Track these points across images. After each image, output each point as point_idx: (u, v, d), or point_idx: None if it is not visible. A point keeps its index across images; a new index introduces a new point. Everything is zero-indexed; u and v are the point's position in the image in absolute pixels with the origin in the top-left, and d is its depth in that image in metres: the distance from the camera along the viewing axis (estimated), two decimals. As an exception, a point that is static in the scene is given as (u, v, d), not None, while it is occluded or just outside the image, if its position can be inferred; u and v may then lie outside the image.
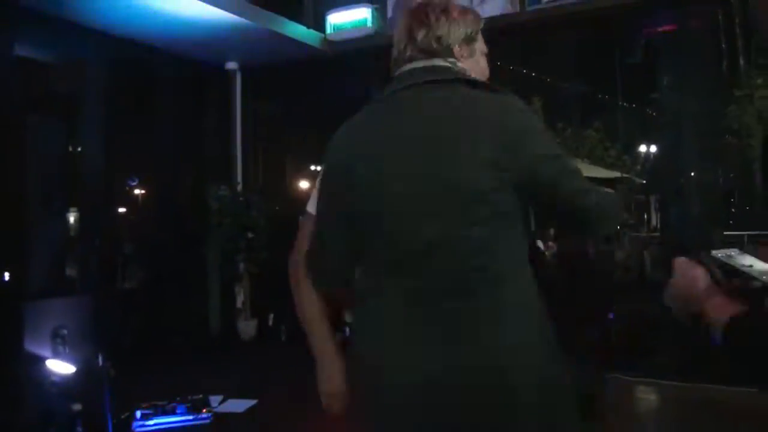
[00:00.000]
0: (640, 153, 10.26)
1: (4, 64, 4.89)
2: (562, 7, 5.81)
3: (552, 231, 9.45)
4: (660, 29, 7.15)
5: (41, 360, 4.71)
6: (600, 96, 10.12)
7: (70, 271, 5.48)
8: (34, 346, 4.79)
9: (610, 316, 6.66)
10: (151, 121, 6.30)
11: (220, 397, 4.85)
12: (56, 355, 4.79)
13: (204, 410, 4.44)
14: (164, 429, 4.36)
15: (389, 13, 6.34)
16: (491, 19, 5.86)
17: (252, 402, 4.85)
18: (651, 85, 7.90)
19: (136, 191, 6.30)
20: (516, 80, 9.21)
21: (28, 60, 5.27)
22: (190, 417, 4.39)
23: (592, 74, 9.58)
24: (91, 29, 5.59)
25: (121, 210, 6.23)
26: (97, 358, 4.94)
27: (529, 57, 8.80)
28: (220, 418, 4.52)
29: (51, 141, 5.11)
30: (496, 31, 6.19)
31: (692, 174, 7.80)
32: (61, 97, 5.61)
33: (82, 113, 5.69)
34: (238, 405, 4.81)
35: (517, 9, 5.89)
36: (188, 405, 4.46)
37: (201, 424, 4.38)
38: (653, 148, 9.12)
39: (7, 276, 4.70)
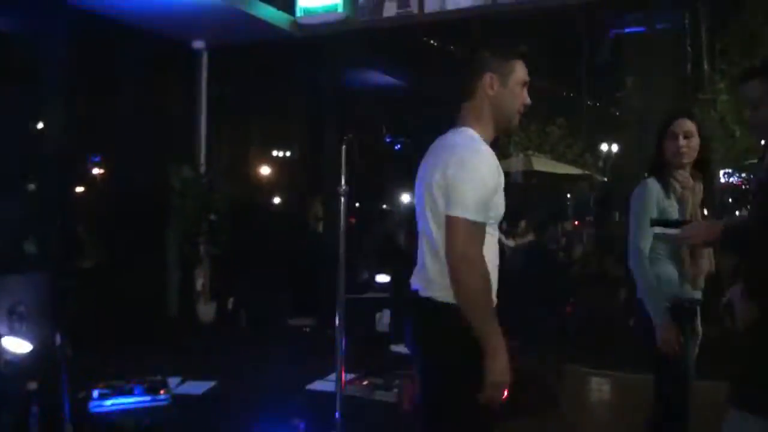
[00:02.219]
0: (602, 151, 10.41)
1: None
2: (532, 3, 5.83)
3: (521, 226, 9.59)
4: (627, 30, 7.27)
5: (-3, 338, 4.61)
6: (565, 93, 10.24)
7: (29, 248, 5.34)
8: (-12, 323, 4.67)
9: (568, 309, 6.77)
10: (115, 97, 6.18)
11: (178, 379, 4.80)
12: (12, 332, 4.69)
13: (162, 391, 4.37)
14: (122, 409, 4.29)
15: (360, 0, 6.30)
16: (462, 11, 5.90)
17: (210, 384, 4.81)
18: (616, 85, 8.04)
19: (98, 169, 6.17)
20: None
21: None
22: (148, 398, 4.33)
23: (558, 71, 9.68)
24: (55, 0, 5.45)
25: (82, 188, 6.09)
26: (54, 336, 4.86)
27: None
28: (178, 399, 4.46)
29: (8, 114, 4.96)
30: (467, 23, 6.23)
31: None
32: (22, 69, 5.45)
33: (43, 87, 5.54)
34: (196, 387, 4.76)
35: (489, 2, 5.90)
36: (146, 386, 4.39)
37: (159, 405, 4.32)
38: (615, 147, 9.27)
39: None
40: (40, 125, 5.63)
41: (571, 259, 8.80)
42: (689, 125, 3.02)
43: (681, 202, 2.96)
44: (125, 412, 4.24)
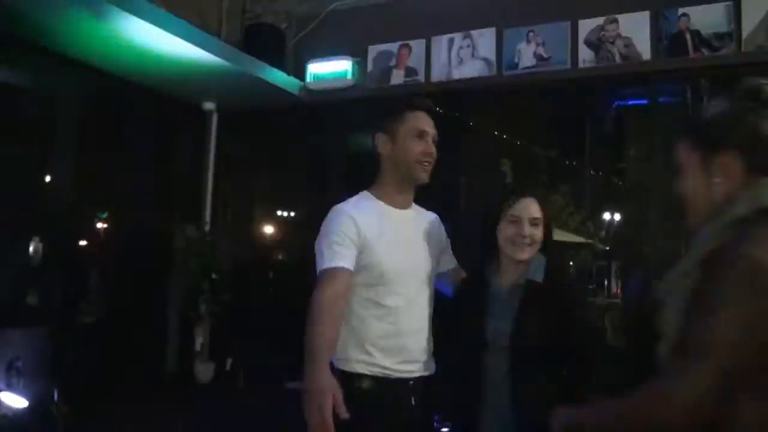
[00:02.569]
0: (604, 220, 10.44)
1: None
2: (538, 75, 5.96)
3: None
4: (631, 102, 7.38)
5: (-7, 393, 4.58)
6: (568, 162, 10.33)
7: (31, 302, 5.36)
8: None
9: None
10: (122, 155, 6.27)
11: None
12: (10, 387, 4.67)
13: (155, 452, 4.34)
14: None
15: (369, 67, 6.46)
16: (469, 81, 6.03)
17: (204, 446, 4.77)
18: (619, 156, 8.12)
19: (102, 225, 6.21)
20: (487, 143, 9.38)
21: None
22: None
23: (562, 141, 9.79)
24: (67, 57, 5.57)
25: (86, 243, 6.13)
26: (53, 393, 4.83)
27: (501, 120, 8.97)
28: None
29: (14, 169, 5.05)
30: (472, 93, 6.35)
31: (656, 243, 7.95)
32: (30, 125, 5.56)
33: (50, 142, 5.64)
34: (190, 448, 4.72)
35: (494, 73, 6.03)
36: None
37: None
38: (617, 216, 9.32)
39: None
40: (47, 179, 5.70)
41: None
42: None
43: None
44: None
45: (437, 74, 6.21)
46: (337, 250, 2.42)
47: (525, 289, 2.69)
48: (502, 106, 7.68)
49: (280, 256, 7.49)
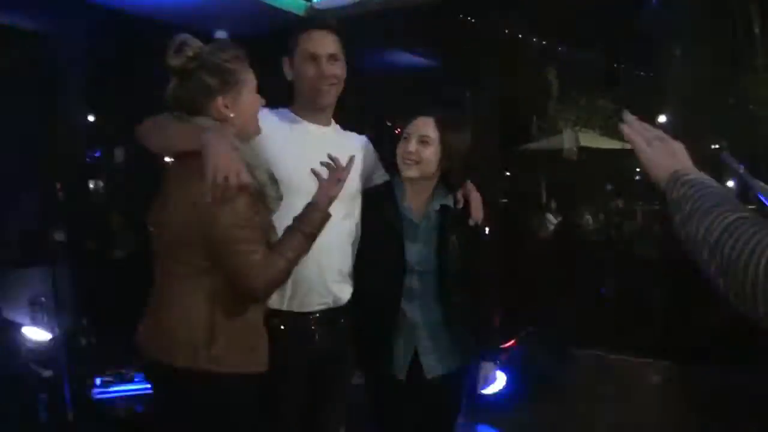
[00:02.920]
0: (656, 124, 9.95)
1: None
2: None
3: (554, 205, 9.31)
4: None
5: (18, 326, 4.87)
6: (615, 65, 9.81)
7: (58, 237, 5.59)
8: (12, 314, 4.93)
9: (601, 290, 6.51)
10: (137, 88, 6.36)
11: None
12: (34, 322, 4.94)
13: (163, 378, 4.51)
14: (120, 396, 4.44)
15: (376, -19, 6.22)
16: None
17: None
18: (663, 54, 7.62)
19: (122, 162, 6.39)
20: (528, 49, 8.99)
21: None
22: (148, 385, 4.46)
23: (607, 43, 9.28)
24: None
25: (108, 182, 6.34)
26: (73, 326, 5.10)
27: (541, 25, 8.56)
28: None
29: (36, 112, 5.22)
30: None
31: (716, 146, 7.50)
32: (44, 67, 5.71)
33: (65, 82, 5.78)
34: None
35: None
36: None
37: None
38: (663, 119, 8.80)
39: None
40: (64, 119, 5.86)
41: (613, 239, 8.47)
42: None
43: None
44: (122, 399, 4.40)
45: (446, -18, 5.94)
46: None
47: (441, 216, 2.64)
48: (538, 9, 7.30)
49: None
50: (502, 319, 5.11)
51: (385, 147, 2.80)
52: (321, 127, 2.61)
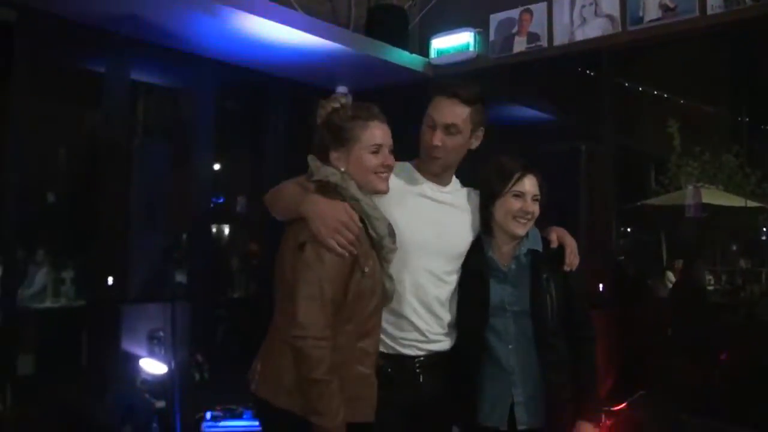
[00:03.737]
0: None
1: (119, 89, 5.49)
2: (670, 26, 5.52)
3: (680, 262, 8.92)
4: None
5: (137, 359, 5.18)
6: (739, 118, 9.41)
7: (180, 278, 5.92)
8: (131, 346, 5.25)
9: (722, 356, 6.17)
10: (263, 142, 6.70)
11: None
12: (151, 354, 5.24)
13: (270, 417, 4.64)
14: (232, 431, 4.62)
15: (491, 37, 6.34)
16: (591, 41, 5.73)
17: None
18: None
19: (244, 210, 6.73)
20: (650, 103, 8.81)
21: (142, 84, 5.89)
22: (256, 422, 4.62)
23: (730, 95, 8.95)
24: (205, 57, 6.07)
25: (230, 227, 6.68)
26: (190, 361, 5.36)
27: (661, 78, 8.38)
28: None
29: (159, 161, 5.61)
30: (602, 52, 6.02)
31: None
32: (173, 121, 6.13)
33: (192, 136, 6.18)
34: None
35: (619, 29, 5.68)
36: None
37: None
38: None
39: (110, 281, 5.24)
40: (192, 170, 6.25)
41: (736, 301, 8.02)
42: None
43: None
44: (230, 434, 4.58)
45: (560, 37, 5.96)
46: None
47: (532, 259, 2.68)
48: (648, 63, 7.19)
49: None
50: (613, 380, 4.96)
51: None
52: (436, 186, 2.70)
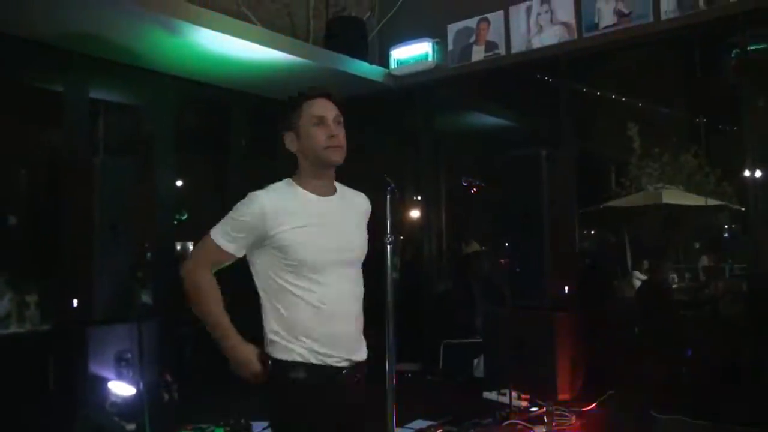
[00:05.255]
0: (744, 179, 9.59)
1: (79, 108, 5.45)
2: (625, 31, 5.64)
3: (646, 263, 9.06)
4: (750, 47, 6.74)
5: (105, 381, 5.11)
6: (697, 119, 9.58)
7: (145, 299, 5.86)
8: (99, 369, 5.18)
9: (688, 353, 6.27)
10: (225, 157, 6.68)
11: (265, 424, 5.02)
12: (119, 377, 5.18)
13: (240, 435, 4.64)
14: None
15: (450, 46, 6.41)
16: (548, 48, 5.82)
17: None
18: (749, 108, 7.41)
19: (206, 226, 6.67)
20: (609, 106, 8.95)
21: (102, 102, 5.85)
22: (229, 439, 4.61)
23: (687, 96, 9.13)
24: (165, 73, 6.05)
25: (195, 244, 6.62)
26: (158, 382, 5.30)
27: (618, 81, 8.52)
28: (257, 443, 4.69)
29: (121, 179, 5.55)
30: (559, 59, 6.12)
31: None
32: (134, 138, 6.09)
33: (155, 151, 6.15)
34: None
35: (575, 36, 5.78)
36: (227, 429, 4.66)
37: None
38: (751, 174, 8.49)
39: (75, 303, 5.17)
40: (155, 186, 6.20)
41: (700, 298, 8.16)
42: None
43: None
44: (202, 454, 4.54)
45: (517, 45, 6.05)
46: (232, 232, 2.49)
47: None
48: (590, 69, 7.31)
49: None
50: (582, 381, 5.03)
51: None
52: (327, 197, 2.65)
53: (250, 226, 2.49)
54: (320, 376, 2.48)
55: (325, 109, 2.61)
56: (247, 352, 2.48)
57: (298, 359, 2.48)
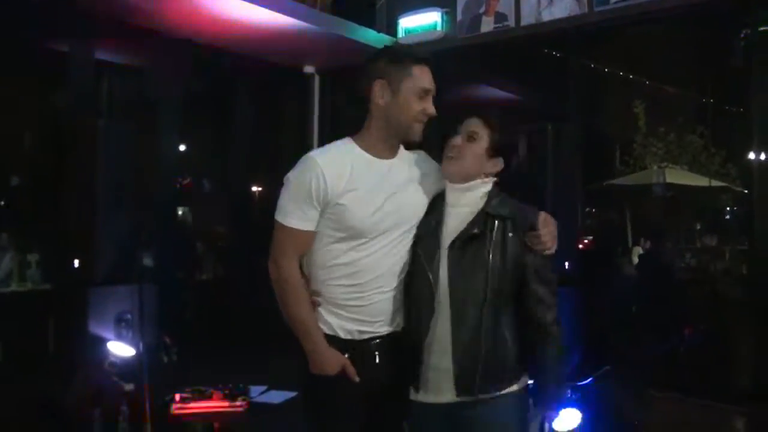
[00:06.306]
0: (749, 161, 9.57)
1: (85, 69, 5.40)
2: (636, 6, 5.56)
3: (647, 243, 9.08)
4: (760, 27, 6.66)
5: (105, 342, 5.13)
6: (704, 99, 9.54)
7: (147, 262, 5.87)
8: (98, 329, 5.21)
9: (687, 331, 6.28)
10: (229, 122, 6.65)
11: (263, 388, 5.05)
12: (119, 337, 5.19)
13: (239, 398, 4.65)
14: (198, 413, 4.61)
15: (459, 16, 6.34)
16: (559, 21, 5.75)
17: (291, 394, 5.00)
18: (756, 88, 7.34)
19: (210, 191, 6.68)
20: (616, 83, 8.90)
21: (108, 63, 5.81)
22: (225, 404, 4.63)
23: (695, 76, 9.08)
24: (172, 36, 5.99)
25: (197, 208, 6.64)
26: (157, 343, 5.32)
27: (627, 58, 8.48)
28: (256, 407, 4.71)
29: (124, 142, 5.54)
30: (569, 33, 6.05)
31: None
32: (139, 101, 6.06)
33: (159, 115, 6.12)
34: (278, 396, 4.97)
35: (585, 10, 5.71)
36: (225, 393, 4.68)
37: (233, 411, 4.59)
38: (756, 156, 8.46)
39: (77, 263, 5.18)
40: (159, 149, 6.18)
41: (701, 277, 8.18)
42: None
43: None
44: (199, 415, 4.56)
45: (527, 17, 5.98)
46: (296, 210, 2.34)
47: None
48: (616, 44, 7.27)
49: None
50: (580, 356, 5.03)
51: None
52: (388, 160, 2.51)
53: (314, 193, 2.32)
54: (348, 349, 2.41)
55: (432, 83, 2.46)
56: (337, 358, 2.37)
57: (328, 332, 2.41)
